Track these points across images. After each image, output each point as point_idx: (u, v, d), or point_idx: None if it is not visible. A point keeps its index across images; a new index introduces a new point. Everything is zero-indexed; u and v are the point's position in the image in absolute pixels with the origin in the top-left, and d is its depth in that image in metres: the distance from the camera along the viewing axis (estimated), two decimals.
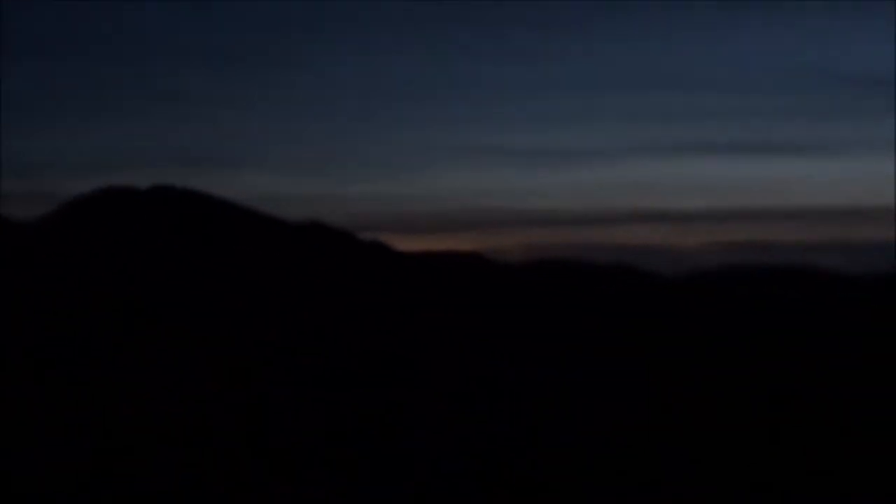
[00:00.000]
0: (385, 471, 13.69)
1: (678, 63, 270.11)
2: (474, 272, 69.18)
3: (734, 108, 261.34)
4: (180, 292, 45.30)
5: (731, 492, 10.91)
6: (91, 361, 25.64)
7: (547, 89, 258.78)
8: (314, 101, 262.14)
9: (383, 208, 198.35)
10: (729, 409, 16.36)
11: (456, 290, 61.40)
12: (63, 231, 65.44)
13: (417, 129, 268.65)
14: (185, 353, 28.05)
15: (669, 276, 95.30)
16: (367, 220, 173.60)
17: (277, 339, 34.10)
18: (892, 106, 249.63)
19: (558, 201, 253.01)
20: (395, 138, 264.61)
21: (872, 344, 35.34)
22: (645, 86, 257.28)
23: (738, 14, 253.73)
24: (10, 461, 14.79)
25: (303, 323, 39.90)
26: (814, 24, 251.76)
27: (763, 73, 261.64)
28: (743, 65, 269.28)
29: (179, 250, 59.17)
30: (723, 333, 39.97)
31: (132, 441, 16.14)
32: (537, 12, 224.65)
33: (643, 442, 13.74)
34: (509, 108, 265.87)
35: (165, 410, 18.75)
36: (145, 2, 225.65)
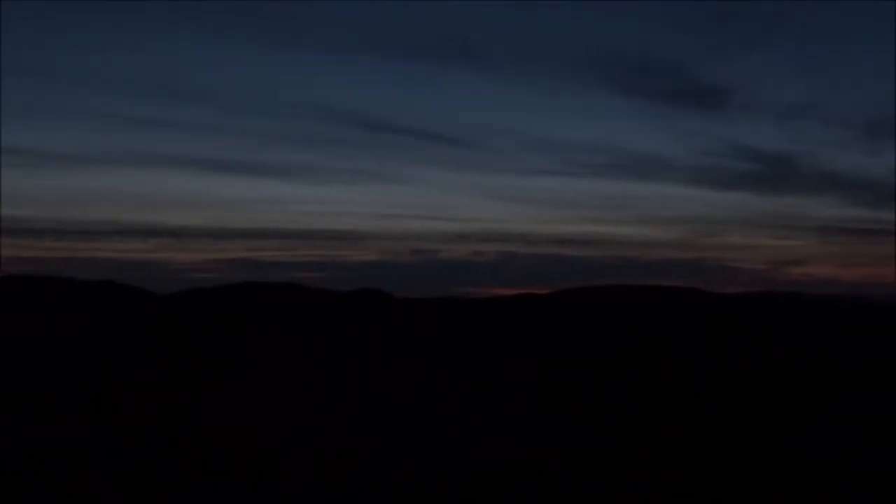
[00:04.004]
0: None
1: (179, 75, 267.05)
2: None
3: (232, 128, 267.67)
4: None
5: None
6: None
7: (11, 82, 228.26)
8: None
9: None
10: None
11: None
12: None
13: None
14: None
15: (162, 294, 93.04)
16: None
17: None
18: (370, 142, 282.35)
19: (33, 208, 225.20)
20: None
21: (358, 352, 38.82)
22: (141, 94, 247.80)
23: (252, 42, 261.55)
24: None
25: None
26: (311, 62, 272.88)
27: (256, 98, 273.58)
28: (245, 87, 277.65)
29: None
30: (218, 352, 40.02)
31: None
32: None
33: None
34: None
35: None
36: None
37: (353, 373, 27.58)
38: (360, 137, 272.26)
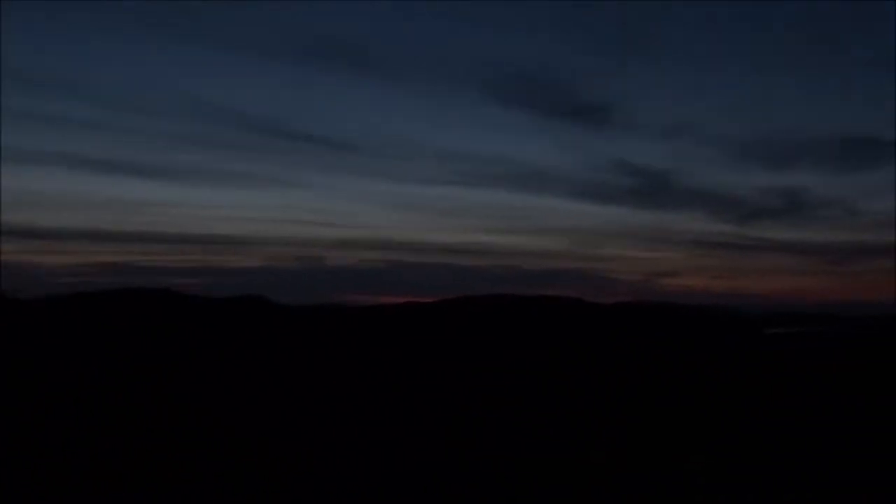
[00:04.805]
0: None
1: (58, 68, 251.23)
2: None
3: (112, 125, 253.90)
4: None
5: None
6: None
7: None
8: None
9: None
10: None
11: None
12: None
13: None
14: None
15: (29, 299, 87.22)
16: None
17: None
18: (256, 144, 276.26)
19: None
20: None
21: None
22: (17, 86, 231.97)
23: (140, 38, 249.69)
24: None
25: None
26: (199, 60, 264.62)
27: (138, 96, 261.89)
28: (128, 84, 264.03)
29: None
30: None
31: None
32: None
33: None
34: None
35: None
36: None
37: (236, 382, 26.24)
38: (245, 140, 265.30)
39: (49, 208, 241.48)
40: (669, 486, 11.03)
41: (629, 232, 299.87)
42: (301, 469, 11.84)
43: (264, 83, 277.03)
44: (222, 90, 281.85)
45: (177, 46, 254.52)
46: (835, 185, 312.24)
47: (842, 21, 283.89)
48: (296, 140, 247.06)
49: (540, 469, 12.05)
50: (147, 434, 15.03)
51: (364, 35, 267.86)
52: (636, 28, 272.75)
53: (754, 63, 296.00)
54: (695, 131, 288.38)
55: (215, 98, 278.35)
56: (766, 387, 25.85)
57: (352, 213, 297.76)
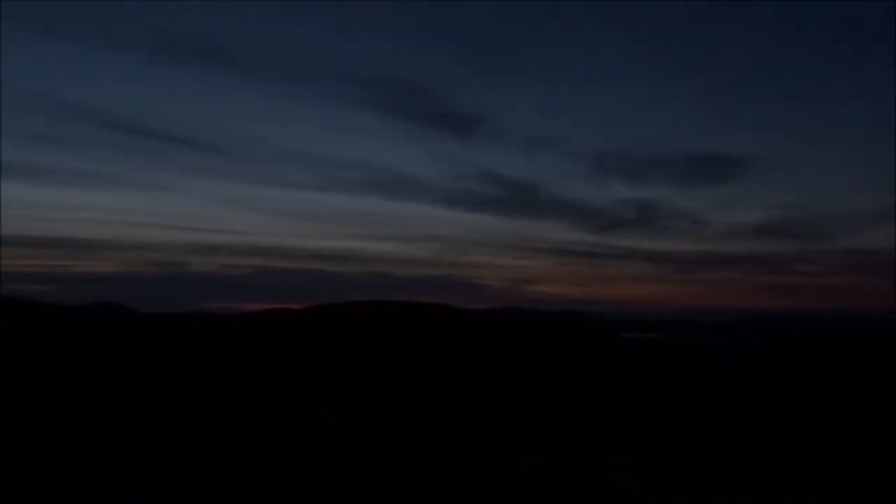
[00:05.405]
0: None
1: None
2: None
3: None
4: None
5: None
6: None
7: None
8: None
9: None
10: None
11: None
12: None
13: None
14: None
15: None
16: None
17: None
18: (113, 143, 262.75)
19: None
20: None
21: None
22: None
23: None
24: None
25: None
26: (50, 51, 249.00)
27: None
28: None
29: None
30: None
31: None
32: None
33: None
34: None
35: None
36: None
37: (96, 395, 25.06)
38: (102, 138, 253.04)
39: None
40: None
41: (496, 240, 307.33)
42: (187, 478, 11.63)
43: (127, 82, 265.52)
44: (79, 87, 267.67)
45: (31, 40, 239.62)
46: (685, 197, 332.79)
47: (697, 45, 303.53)
48: (158, 140, 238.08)
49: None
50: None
51: (233, 37, 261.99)
52: (506, 44, 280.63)
53: (615, 82, 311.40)
54: (558, 144, 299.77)
55: (70, 95, 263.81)
56: (638, 389, 27.30)
57: (217, 217, 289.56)
